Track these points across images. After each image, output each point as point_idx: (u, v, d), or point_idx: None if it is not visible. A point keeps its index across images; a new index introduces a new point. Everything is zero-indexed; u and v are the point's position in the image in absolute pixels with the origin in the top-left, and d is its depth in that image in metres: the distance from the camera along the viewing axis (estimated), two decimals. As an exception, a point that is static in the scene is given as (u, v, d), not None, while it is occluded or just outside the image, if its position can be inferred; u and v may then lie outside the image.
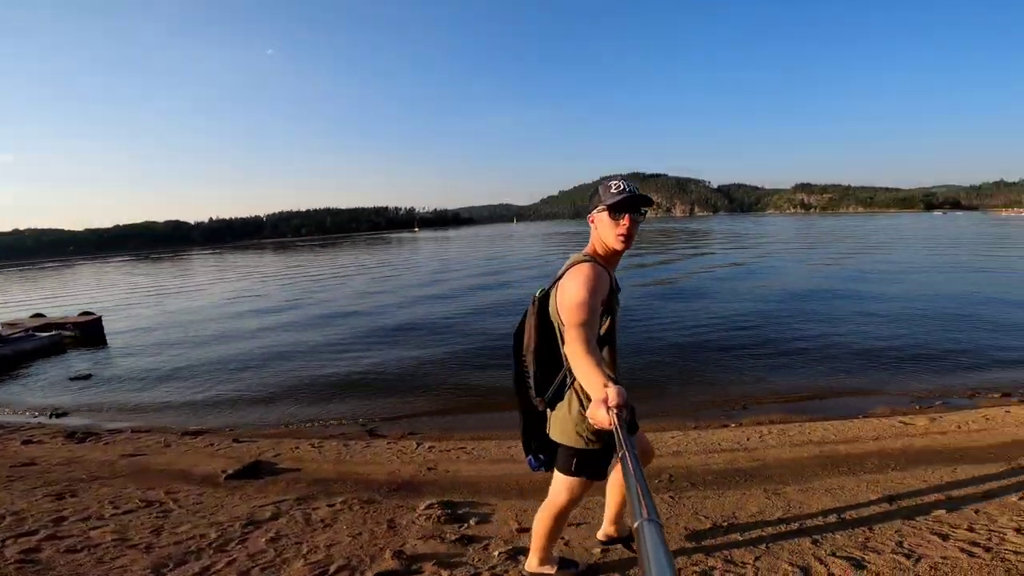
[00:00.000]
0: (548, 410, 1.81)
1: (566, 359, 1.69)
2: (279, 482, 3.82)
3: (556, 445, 1.82)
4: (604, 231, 1.70)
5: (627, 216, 1.67)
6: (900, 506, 2.82)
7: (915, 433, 4.26)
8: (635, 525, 0.70)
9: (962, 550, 2.32)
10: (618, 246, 1.70)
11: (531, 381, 1.78)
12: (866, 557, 2.28)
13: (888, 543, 2.40)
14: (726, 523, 2.68)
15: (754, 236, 49.79)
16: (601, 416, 1.15)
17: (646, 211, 1.72)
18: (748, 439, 4.33)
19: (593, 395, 1.25)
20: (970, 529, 2.54)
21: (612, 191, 1.68)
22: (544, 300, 1.78)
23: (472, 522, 2.90)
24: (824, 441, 4.13)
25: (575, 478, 1.81)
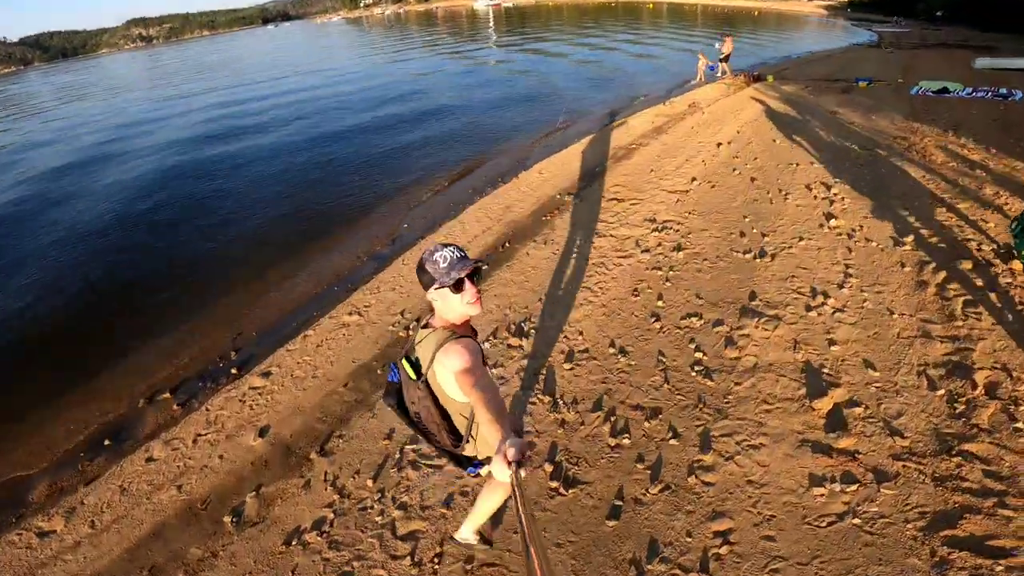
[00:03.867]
0: (468, 446, 1.85)
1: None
2: None
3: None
4: (453, 306, 1.71)
5: (468, 282, 1.69)
6: None
7: None
8: None
9: None
10: (473, 311, 1.74)
11: (448, 437, 1.82)
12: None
13: None
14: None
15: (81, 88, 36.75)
16: (502, 471, 1.13)
17: (482, 264, 1.80)
18: None
19: (494, 445, 1.25)
20: None
21: (442, 266, 1.66)
22: (427, 383, 1.77)
23: None
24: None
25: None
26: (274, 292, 5.58)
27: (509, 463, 1.12)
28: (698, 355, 3.53)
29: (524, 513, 0.90)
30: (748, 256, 4.58)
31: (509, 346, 3.90)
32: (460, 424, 1.82)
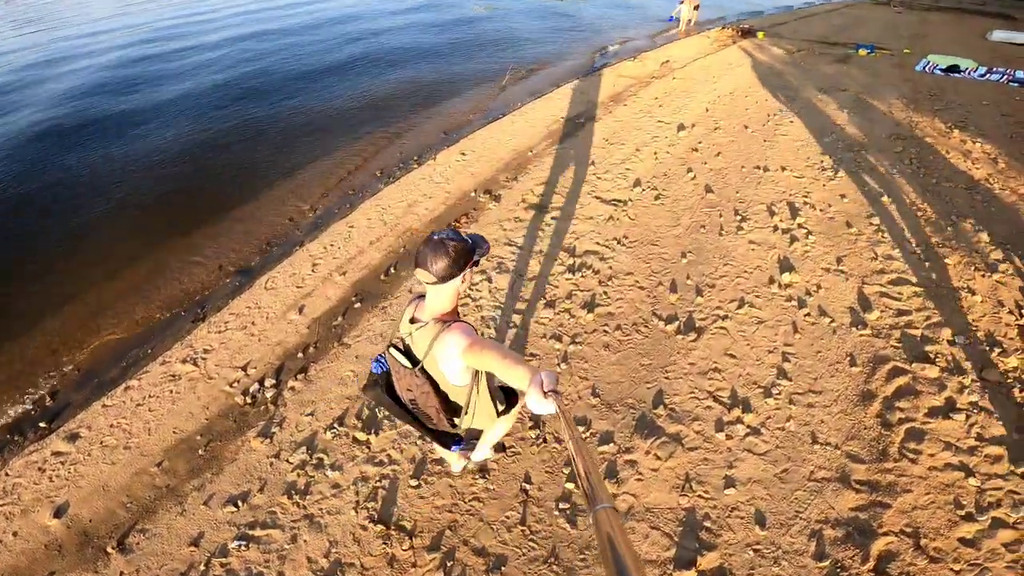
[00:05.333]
0: (465, 418, 2.00)
1: (473, 378, 1.92)
2: None
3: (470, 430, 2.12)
4: (461, 285, 1.80)
5: None
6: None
7: None
8: (593, 512, 0.78)
9: None
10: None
11: (445, 417, 1.96)
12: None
13: None
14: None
15: None
16: (541, 403, 1.24)
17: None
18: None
19: (525, 385, 1.32)
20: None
21: (471, 244, 1.76)
22: (424, 370, 1.90)
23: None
24: None
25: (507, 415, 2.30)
26: (113, 311, 4.56)
27: (546, 393, 1.26)
28: (569, 486, 2.78)
29: (571, 431, 1.07)
30: (671, 328, 3.69)
31: (354, 440, 3.11)
32: (460, 401, 1.99)
